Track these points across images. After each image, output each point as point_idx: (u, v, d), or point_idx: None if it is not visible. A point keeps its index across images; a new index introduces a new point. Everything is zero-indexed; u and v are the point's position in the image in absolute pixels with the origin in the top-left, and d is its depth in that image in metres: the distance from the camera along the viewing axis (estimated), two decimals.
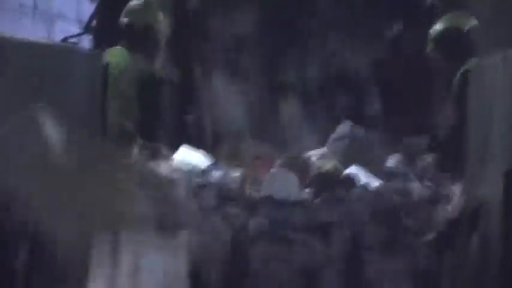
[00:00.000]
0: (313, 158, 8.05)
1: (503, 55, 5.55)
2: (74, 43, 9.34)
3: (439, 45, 7.68)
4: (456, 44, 7.80)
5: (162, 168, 7.11)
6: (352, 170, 7.40)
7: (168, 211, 6.48)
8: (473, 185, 5.86)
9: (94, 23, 9.76)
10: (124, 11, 8.38)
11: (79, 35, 9.81)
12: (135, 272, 6.14)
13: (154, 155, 7.46)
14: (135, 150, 7.38)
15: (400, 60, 10.18)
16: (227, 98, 10.45)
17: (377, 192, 6.98)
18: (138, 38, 7.99)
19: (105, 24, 9.40)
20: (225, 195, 6.90)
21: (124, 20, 8.29)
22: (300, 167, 7.74)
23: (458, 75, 7.07)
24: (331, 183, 7.16)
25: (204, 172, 7.53)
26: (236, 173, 7.49)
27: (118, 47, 8.02)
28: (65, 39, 9.53)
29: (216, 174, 7.37)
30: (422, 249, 6.19)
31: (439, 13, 8.58)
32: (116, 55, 7.90)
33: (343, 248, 6.53)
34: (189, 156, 7.81)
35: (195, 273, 6.43)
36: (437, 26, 7.94)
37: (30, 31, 9.21)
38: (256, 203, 6.89)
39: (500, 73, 5.51)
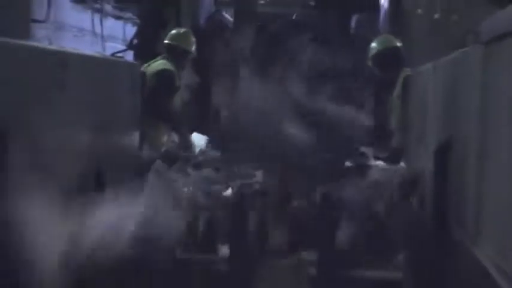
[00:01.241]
0: None
1: (434, 64, 5.57)
2: (120, 57, 9.35)
3: (375, 61, 7.71)
4: (388, 59, 7.80)
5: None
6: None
7: None
8: (414, 160, 5.80)
9: (135, 41, 9.79)
10: (168, 35, 8.83)
11: (124, 50, 9.82)
12: None
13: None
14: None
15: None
16: (232, 96, 10.53)
17: None
18: (176, 54, 8.55)
19: (143, 43, 9.46)
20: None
21: (167, 41, 8.72)
22: None
23: (401, 80, 7.08)
24: None
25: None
26: None
27: (160, 59, 8.59)
28: (113, 54, 9.54)
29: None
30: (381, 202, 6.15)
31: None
32: (160, 63, 8.49)
33: None
34: (196, 138, 8.48)
35: None
36: (373, 45, 7.95)
37: (89, 48, 9.20)
38: None
39: (431, 78, 5.54)
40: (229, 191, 6.60)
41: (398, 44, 7.82)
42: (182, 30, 9.05)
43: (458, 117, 4.40)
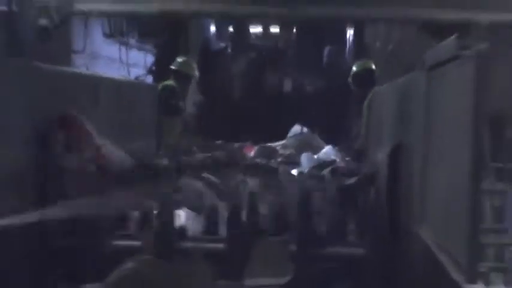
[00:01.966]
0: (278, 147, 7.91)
1: (390, 84, 5.62)
2: (142, 80, 9.41)
3: (354, 80, 7.76)
4: (364, 79, 7.81)
5: None
6: (303, 156, 7.03)
7: None
8: (372, 158, 5.79)
9: (153, 68, 9.84)
10: (174, 62, 8.77)
11: (144, 75, 9.88)
12: None
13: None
14: None
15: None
16: (229, 110, 10.56)
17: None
18: (180, 77, 8.57)
19: (159, 68, 9.46)
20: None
21: (173, 67, 8.72)
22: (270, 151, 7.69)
23: (368, 96, 7.10)
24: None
25: None
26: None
27: (170, 81, 8.56)
28: (136, 78, 9.57)
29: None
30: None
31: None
32: (169, 84, 8.49)
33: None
34: None
35: None
36: (353, 68, 8.00)
37: (116, 73, 9.20)
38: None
39: (388, 95, 5.55)
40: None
41: (373, 67, 7.85)
42: (185, 58, 8.96)
43: (407, 127, 4.42)
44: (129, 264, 4.36)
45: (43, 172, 4.52)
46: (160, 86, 8.30)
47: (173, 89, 8.34)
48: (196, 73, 8.94)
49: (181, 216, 5.76)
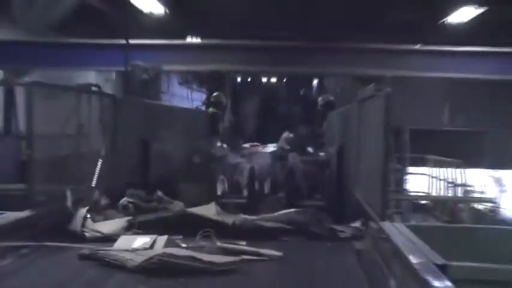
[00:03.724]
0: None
1: (340, 109, 5.47)
2: (199, 108, 9.01)
3: (322, 106, 7.14)
4: (326, 105, 7.09)
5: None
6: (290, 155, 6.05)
7: None
8: (329, 150, 5.58)
9: (205, 101, 9.26)
10: (212, 96, 7.63)
11: (201, 105, 9.16)
12: None
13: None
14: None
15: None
16: (248, 124, 10.37)
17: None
18: (216, 105, 7.32)
19: (209, 102, 8.48)
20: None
21: (211, 99, 7.57)
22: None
23: (327, 116, 6.69)
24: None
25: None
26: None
27: (212, 108, 7.37)
28: (196, 107, 9.03)
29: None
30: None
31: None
32: (211, 110, 7.33)
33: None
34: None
35: None
36: (319, 99, 7.47)
37: (186, 104, 9.06)
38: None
39: (339, 115, 5.37)
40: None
41: (331, 98, 7.39)
42: (217, 93, 7.60)
43: (347, 134, 4.40)
44: None
45: None
46: (208, 111, 7.54)
47: (214, 114, 7.26)
48: (225, 101, 7.77)
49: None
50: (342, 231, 2.92)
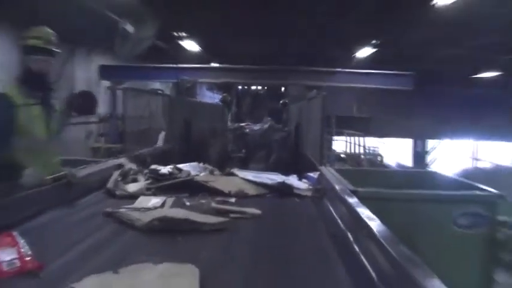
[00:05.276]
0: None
1: (296, 104, 5.07)
2: (218, 103, 8.09)
3: (281, 104, 6.24)
4: (285, 104, 6.33)
5: None
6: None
7: None
8: (289, 128, 4.98)
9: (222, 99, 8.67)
10: (221, 96, 6.75)
11: (218, 102, 7.77)
12: None
13: None
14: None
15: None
16: (245, 113, 9.72)
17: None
18: (226, 101, 6.30)
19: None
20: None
21: (222, 97, 6.52)
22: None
23: (290, 108, 5.96)
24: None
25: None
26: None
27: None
28: (216, 102, 7.33)
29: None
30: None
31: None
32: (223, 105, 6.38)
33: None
34: None
35: None
36: (281, 101, 6.54)
37: (211, 101, 8.45)
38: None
39: (295, 108, 5.02)
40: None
41: (286, 100, 6.65)
42: (225, 94, 6.59)
43: (300, 118, 4.24)
44: None
45: None
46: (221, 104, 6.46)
47: (224, 106, 6.08)
48: (230, 99, 6.76)
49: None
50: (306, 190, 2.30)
